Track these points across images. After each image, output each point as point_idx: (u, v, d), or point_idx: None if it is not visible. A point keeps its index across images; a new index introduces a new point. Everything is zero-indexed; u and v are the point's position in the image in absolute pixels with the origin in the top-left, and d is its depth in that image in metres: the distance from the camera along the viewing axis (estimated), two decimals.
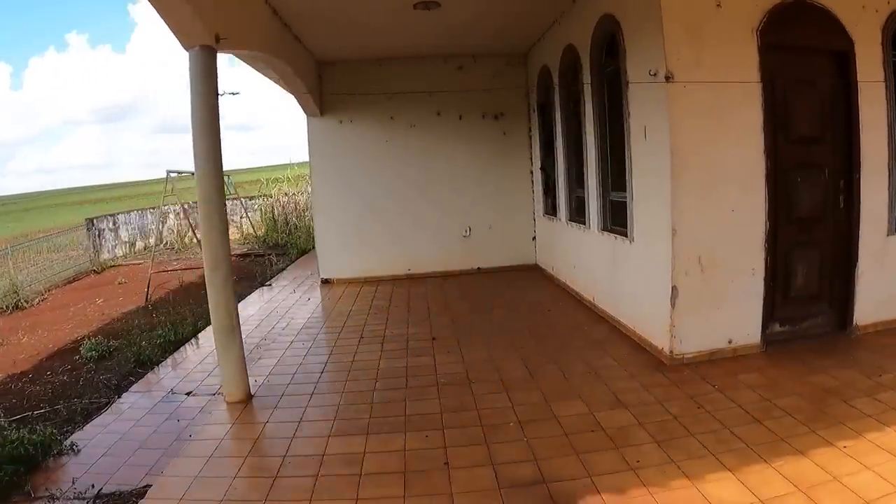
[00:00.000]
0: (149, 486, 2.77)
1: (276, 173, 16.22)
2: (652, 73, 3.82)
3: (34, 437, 3.19)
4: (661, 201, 3.88)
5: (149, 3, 3.08)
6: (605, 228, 5.13)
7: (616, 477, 2.57)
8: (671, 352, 3.87)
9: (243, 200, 15.36)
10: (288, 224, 13.57)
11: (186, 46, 3.47)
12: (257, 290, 7.63)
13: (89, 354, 5.14)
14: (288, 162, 16.81)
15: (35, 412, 3.88)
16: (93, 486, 2.79)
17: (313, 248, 10.02)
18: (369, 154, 7.52)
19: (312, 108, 7.13)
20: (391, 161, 7.54)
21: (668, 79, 3.67)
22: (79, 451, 3.21)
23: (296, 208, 13.95)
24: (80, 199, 65.87)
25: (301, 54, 6.28)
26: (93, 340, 5.42)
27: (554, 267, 6.97)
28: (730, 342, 3.93)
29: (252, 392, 3.86)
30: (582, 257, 5.82)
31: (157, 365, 4.76)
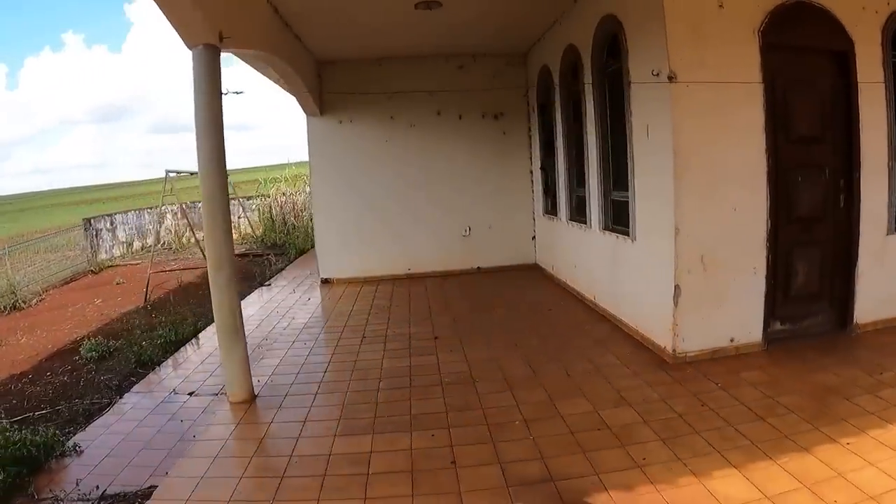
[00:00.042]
0: (154, 486, 2.76)
1: (274, 173, 16.17)
2: (655, 73, 3.83)
3: (36, 438, 3.17)
4: (663, 200, 3.90)
5: (153, 2, 3.07)
6: (606, 228, 5.14)
7: (623, 474, 2.59)
8: (674, 350, 3.89)
9: (241, 200, 15.32)
10: (286, 224, 13.55)
11: (190, 45, 3.46)
12: (257, 290, 7.61)
13: (89, 355, 5.12)
14: (286, 162, 16.79)
15: (36, 413, 3.87)
16: (97, 487, 2.78)
17: (312, 247, 10.01)
18: (369, 153, 7.52)
19: (312, 107, 7.12)
20: (391, 160, 7.54)
21: (671, 79, 3.69)
22: (82, 452, 3.20)
23: (294, 208, 13.93)
24: (77, 199, 65.49)
25: (301, 53, 6.27)
26: (92, 341, 5.39)
27: (554, 266, 6.98)
28: (732, 340, 3.95)
29: (255, 392, 3.85)
30: (583, 256, 5.84)
31: (159, 365, 4.74)
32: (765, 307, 3.98)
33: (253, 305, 6.66)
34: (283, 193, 14.47)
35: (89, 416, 3.73)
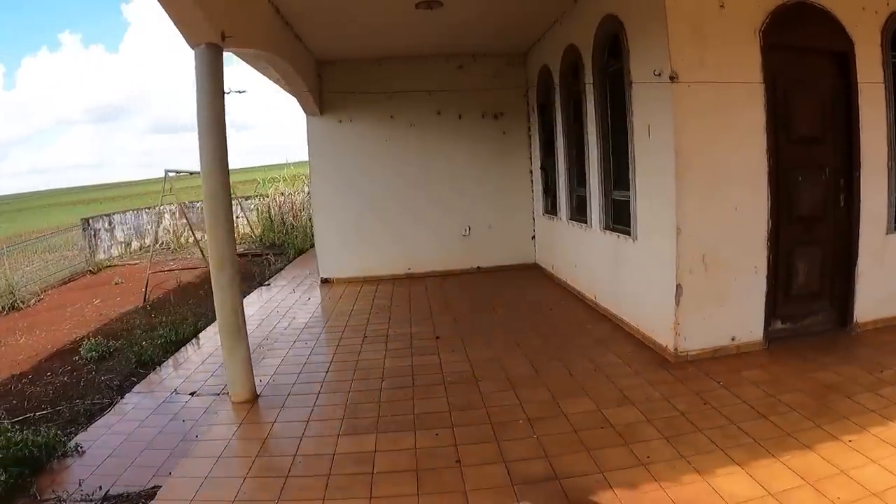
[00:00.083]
0: (157, 487, 2.75)
1: (272, 173, 16.17)
2: (656, 73, 3.85)
3: (38, 438, 3.15)
4: (664, 200, 3.91)
5: (155, 1, 3.06)
6: (607, 227, 5.16)
7: (627, 472, 2.59)
8: (675, 349, 3.90)
9: (240, 200, 15.29)
10: (285, 224, 13.53)
11: (192, 44, 3.45)
12: (256, 290, 7.60)
13: (89, 355, 5.10)
14: (284, 162, 16.78)
15: (37, 413, 3.85)
16: (100, 487, 2.77)
17: (310, 247, 10.00)
18: (369, 153, 7.51)
19: (312, 107, 7.12)
20: (391, 160, 7.54)
21: (672, 79, 3.70)
22: (84, 452, 3.18)
23: (292, 208, 13.91)
24: (74, 199, 65.26)
25: (302, 53, 6.27)
26: (92, 341, 5.37)
27: (554, 266, 6.99)
28: (733, 339, 3.97)
29: (258, 392, 3.84)
30: (583, 256, 5.85)
31: (159, 365, 4.73)
32: (766, 306, 3.99)
33: (253, 305, 6.64)
34: (282, 193, 14.46)
35: (91, 417, 3.72)
